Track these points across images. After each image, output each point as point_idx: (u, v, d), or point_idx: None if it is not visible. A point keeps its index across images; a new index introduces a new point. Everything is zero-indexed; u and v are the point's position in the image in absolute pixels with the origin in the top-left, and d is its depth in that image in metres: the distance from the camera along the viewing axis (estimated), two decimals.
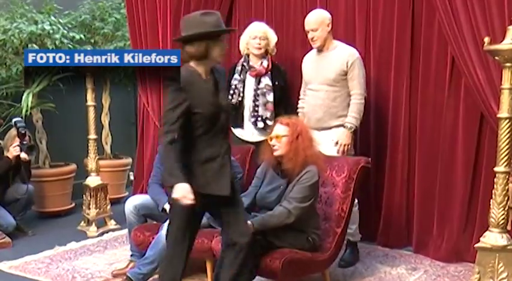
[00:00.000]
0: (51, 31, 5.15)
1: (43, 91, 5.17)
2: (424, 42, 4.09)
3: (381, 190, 4.38)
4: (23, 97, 4.83)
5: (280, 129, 3.27)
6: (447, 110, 4.01)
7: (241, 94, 4.31)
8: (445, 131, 4.04)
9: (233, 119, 4.30)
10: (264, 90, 4.29)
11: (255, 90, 4.29)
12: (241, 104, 4.32)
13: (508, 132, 3.07)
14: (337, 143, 3.90)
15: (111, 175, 5.83)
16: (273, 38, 4.37)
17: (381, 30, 4.25)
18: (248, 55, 4.37)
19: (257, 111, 4.28)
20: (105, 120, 6.12)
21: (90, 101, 5.03)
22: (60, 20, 5.44)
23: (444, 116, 4.03)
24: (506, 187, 3.11)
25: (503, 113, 3.06)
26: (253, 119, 4.29)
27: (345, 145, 3.88)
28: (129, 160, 6.19)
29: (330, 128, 3.95)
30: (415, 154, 4.20)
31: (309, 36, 3.97)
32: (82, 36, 5.52)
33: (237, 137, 4.35)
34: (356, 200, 3.89)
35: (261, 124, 4.29)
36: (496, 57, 3.06)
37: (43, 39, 5.16)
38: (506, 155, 3.08)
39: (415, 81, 4.17)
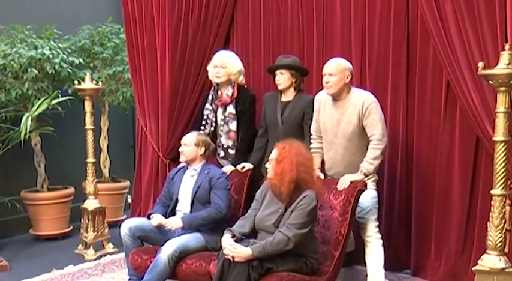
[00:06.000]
0: (50, 56, 5.22)
1: (42, 115, 5.19)
2: (420, 67, 4.14)
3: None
4: (22, 121, 4.85)
5: (273, 152, 3.34)
6: (443, 134, 4.04)
7: (213, 124, 4.31)
8: (441, 154, 4.06)
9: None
10: (227, 119, 4.25)
11: (222, 119, 4.29)
12: (214, 134, 4.32)
13: (504, 155, 3.09)
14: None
15: (109, 198, 5.84)
16: (233, 66, 4.25)
17: (376, 55, 4.30)
18: (218, 84, 4.33)
19: (220, 140, 4.31)
20: (104, 143, 6.14)
21: (89, 124, 5.05)
22: (60, 45, 5.51)
23: (440, 140, 4.06)
24: (503, 210, 3.13)
25: (498, 137, 3.09)
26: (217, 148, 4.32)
27: (351, 182, 3.59)
28: (127, 183, 6.19)
29: None
30: (412, 177, 4.22)
31: (324, 79, 3.73)
32: (81, 60, 5.59)
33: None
34: (379, 235, 3.80)
35: (222, 153, 4.32)
36: (491, 82, 3.09)
37: (43, 63, 5.22)
38: (502, 178, 3.10)
39: (411, 105, 4.21)
